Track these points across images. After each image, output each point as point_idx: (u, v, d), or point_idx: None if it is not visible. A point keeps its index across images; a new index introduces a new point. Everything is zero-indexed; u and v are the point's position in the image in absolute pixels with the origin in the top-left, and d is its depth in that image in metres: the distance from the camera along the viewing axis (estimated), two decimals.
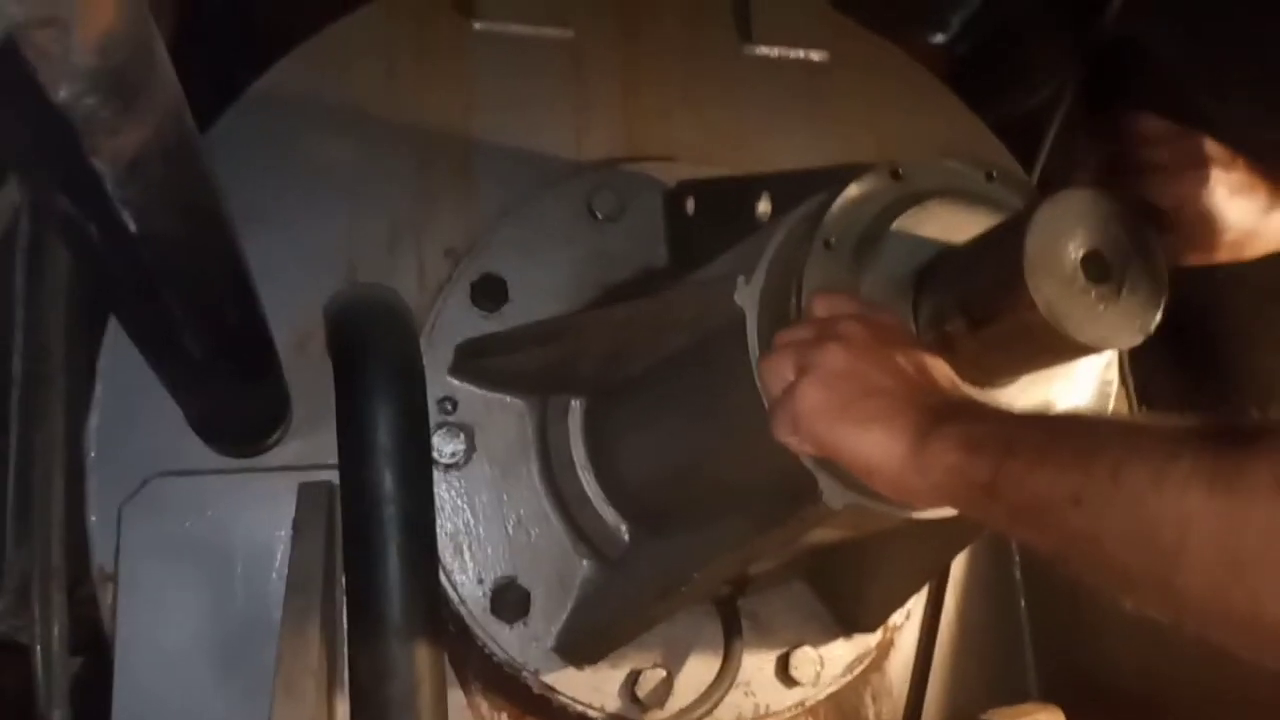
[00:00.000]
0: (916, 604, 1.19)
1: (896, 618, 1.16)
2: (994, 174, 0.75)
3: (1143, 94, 1.30)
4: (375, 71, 1.12)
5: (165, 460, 0.97)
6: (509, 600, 1.03)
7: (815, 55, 1.26)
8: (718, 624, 1.06)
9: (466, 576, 1.04)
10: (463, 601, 1.03)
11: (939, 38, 1.60)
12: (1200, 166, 1.07)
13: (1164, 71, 1.31)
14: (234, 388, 0.86)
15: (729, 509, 0.87)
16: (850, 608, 1.10)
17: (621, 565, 1.03)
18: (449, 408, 1.06)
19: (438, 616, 0.86)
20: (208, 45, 1.12)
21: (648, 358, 0.93)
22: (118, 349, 0.99)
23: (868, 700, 1.17)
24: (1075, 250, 0.61)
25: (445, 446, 1.04)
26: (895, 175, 0.73)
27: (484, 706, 1.06)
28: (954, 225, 0.70)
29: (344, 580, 0.86)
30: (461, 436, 1.05)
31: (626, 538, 1.03)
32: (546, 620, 1.04)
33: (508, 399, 1.08)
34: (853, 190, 0.72)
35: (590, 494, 1.03)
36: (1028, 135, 1.41)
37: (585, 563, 1.06)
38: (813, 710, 1.13)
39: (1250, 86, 1.17)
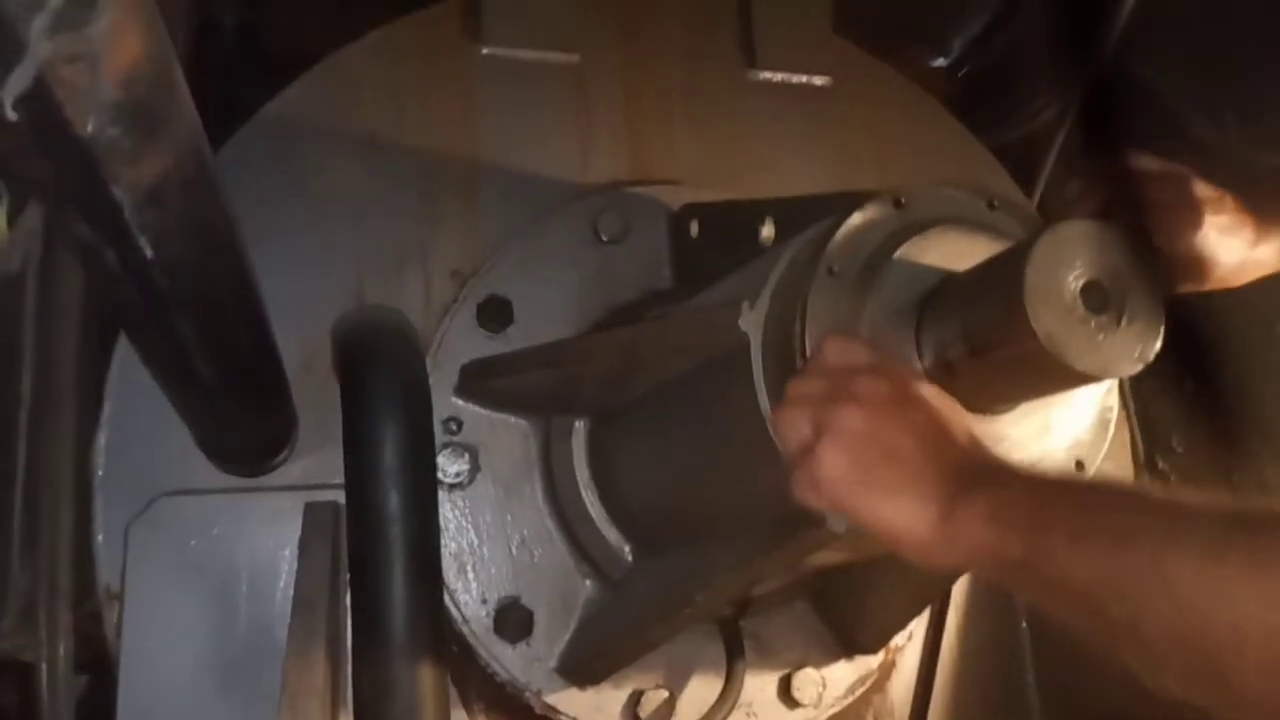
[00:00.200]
0: (918, 625, 1.20)
1: (898, 639, 1.16)
2: (995, 203, 0.76)
3: (1139, 120, 1.32)
4: (383, 96, 1.13)
5: (172, 479, 0.98)
6: (512, 620, 1.04)
7: (818, 80, 1.28)
8: (720, 644, 1.07)
9: (470, 596, 1.04)
10: (466, 621, 1.03)
11: (940, 61, 1.61)
12: (1193, 208, 1.09)
13: (1160, 98, 1.33)
14: (242, 408, 0.87)
15: (732, 531, 0.87)
16: (852, 629, 1.11)
17: (624, 586, 1.04)
18: (454, 428, 1.07)
19: (441, 637, 0.87)
20: (218, 69, 1.14)
21: (651, 380, 0.94)
22: (126, 369, 1.00)
23: None
24: (1075, 280, 0.62)
25: (450, 466, 1.05)
26: (898, 204, 0.75)
27: None
28: (956, 253, 0.71)
29: (348, 599, 0.86)
30: (466, 456, 1.06)
31: (629, 558, 1.03)
32: (549, 640, 1.04)
33: (512, 419, 1.08)
34: (856, 218, 0.73)
35: (593, 514, 1.03)
36: (1028, 158, 1.42)
37: (588, 583, 1.06)
38: None
39: (1245, 113, 1.19)
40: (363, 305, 1.07)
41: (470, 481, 1.06)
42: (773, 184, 1.19)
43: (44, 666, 0.92)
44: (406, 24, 1.17)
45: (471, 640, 1.03)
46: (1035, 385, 0.68)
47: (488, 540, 1.05)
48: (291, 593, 0.93)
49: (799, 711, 1.10)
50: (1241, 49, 1.20)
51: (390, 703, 0.80)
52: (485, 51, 1.17)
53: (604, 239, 1.13)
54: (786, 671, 1.10)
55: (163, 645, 0.95)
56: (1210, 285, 1.11)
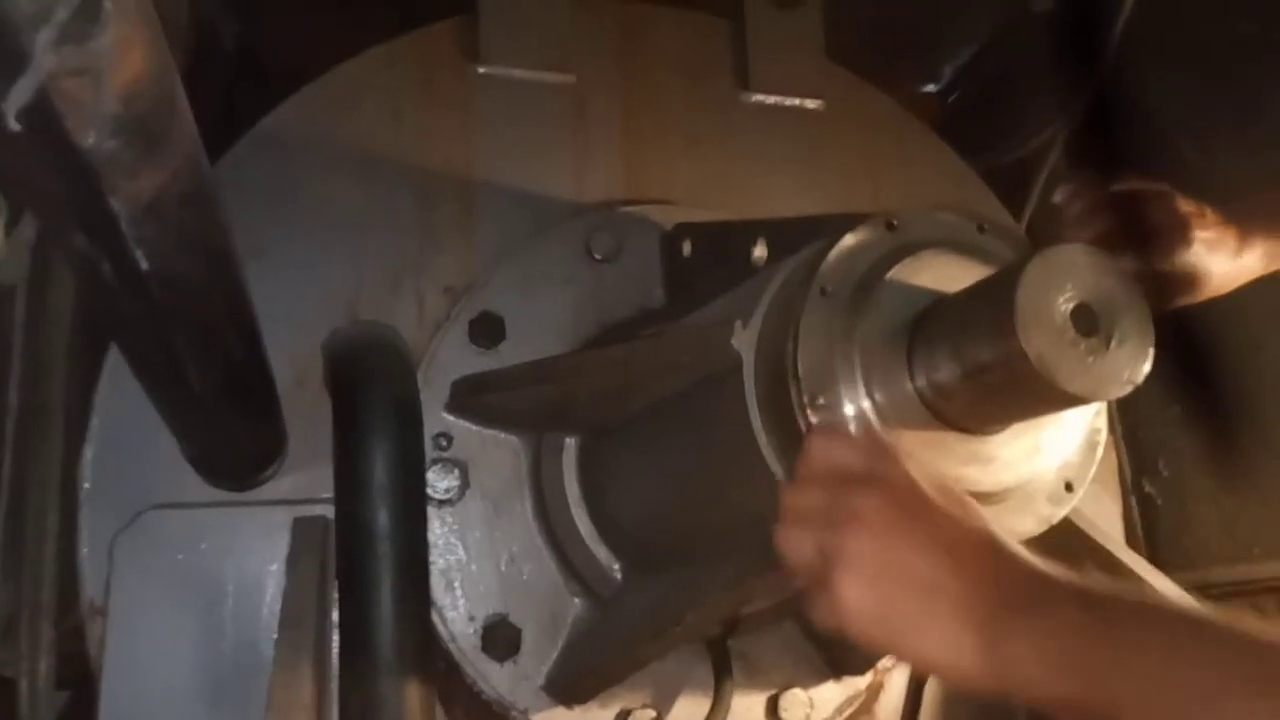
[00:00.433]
0: None
1: (886, 660, 1.16)
2: (985, 226, 0.77)
3: (1129, 145, 1.34)
4: (380, 112, 1.14)
5: (159, 493, 0.97)
6: (500, 638, 1.03)
7: (811, 104, 1.29)
8: (708, 664, 1.06)
9: (458, 613, 1.03)
10: (453, 639, 1.03)
11: (931, 87, 1.64)
12: (1180, 226, 1.11)
13: (1150, 123, 1.35)
14: (233, 422, 0.87)
15: (722, 550, 0.87)
16: (840, 649, 1.11)
17: (613, 604, 1.03)
18: (444, 443, 1.06)
19: (429, 654, 0.86)
20: (216, 84, 1.14)
21: (643, 398, 0.94)
22: (116, 380, 0.99)
23: None
24: (1065, 303, 0.63)
25: (439, 482, 1.05)
26: (890, 226, 0.75)
27: None
28: (947, 276, 0.72)
29: (336, 616, 0.86)
30: (456, 472, 1.06)
31: (619, 577, 1.03)
32: (537, 659, 1.04)
33: (502, 436, 1.08)
34: (849, 239, 0.74)
35: (583, 532, 1.03)
36: (1017, 183, 1.44)
37: (577, 601, 1.06)
38: None
39: (1235, 137, 1.22)
40: (355, 320, 1.07)
41: (460, 498, 1.06)
42: (765, 205, 1.20)
43: (24, 682, 0.91)
44: (405, 42, 1.18)
45: (459, 658, 1.03)
46: (1026, 407, 0.69)
47: (476, 557, 1.05)
48: (279, 608, 0.93)
49: None
50: (1233, 76, 1.23)
51: None
52: (483, 70, 1.18)
53: (597, 257, 1.14)
54: (774, 692, 1.10)
55: (146, 661, 0.94)
56: (1201, 298, 1.14)
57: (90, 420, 0.99)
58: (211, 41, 1.18)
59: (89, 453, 0.99)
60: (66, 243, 0.58)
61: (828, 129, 1.29)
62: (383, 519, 0.84)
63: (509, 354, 1.09)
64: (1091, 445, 0.77)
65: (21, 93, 0.41)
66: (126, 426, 0.98)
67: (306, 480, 1.00)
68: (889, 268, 0.73)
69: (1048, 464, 0.74)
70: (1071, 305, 0.63)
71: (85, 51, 0.41)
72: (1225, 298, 1.16)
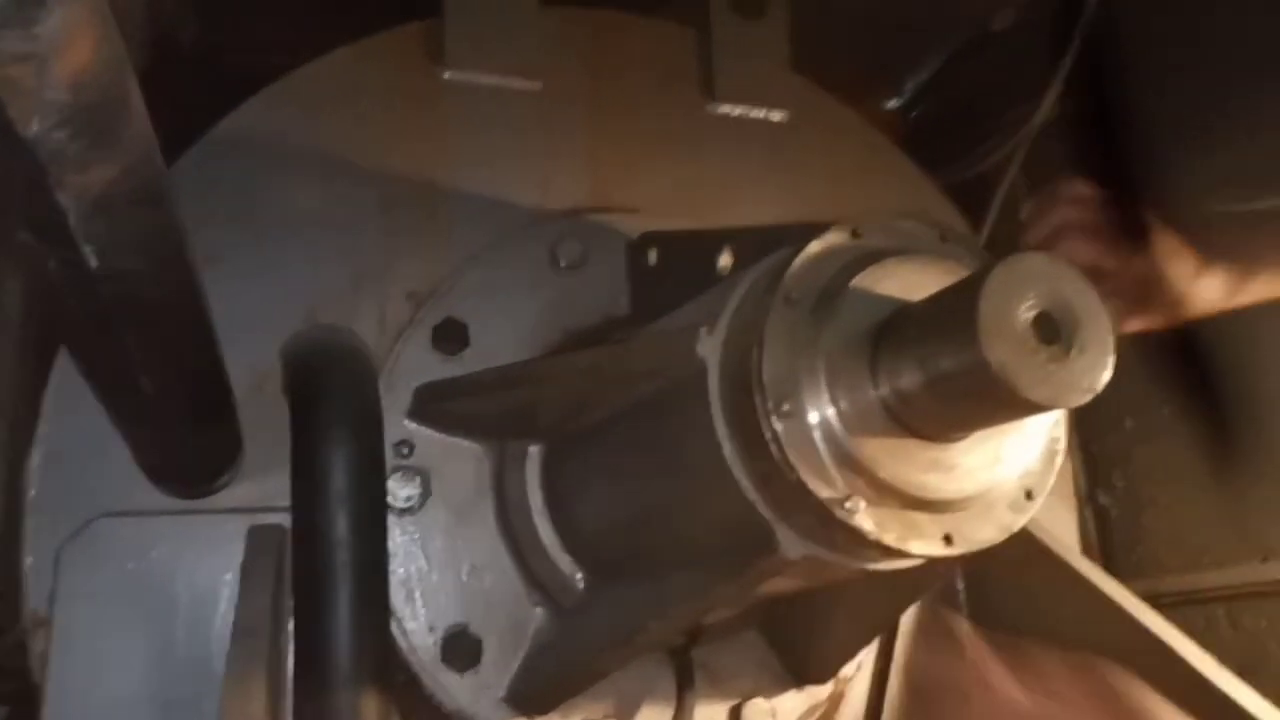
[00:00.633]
0: (867, 656, 1.20)
1: (848, 669, 1.16)
2: (948, 235, 0.78)
3: (1085, 164, 1.37)
4: (343, 115, 1.13)
5: (109, 500, 0.95)
6: (460, 649, 1.02)
7: (776, 115, 1.30)
8: (670, 674, 1.06)
9: (417, 624, 1.02)
10: (413, 650, 1.01)
11: (893, 103, 1.66)
12: (1139, 233, 1.13)
13: (1104, 145, 1.38)
14: (187, 428, 0.85)
15: (686, 559, 0.87)
16: (802, 659, 1.11)
17: (576, 614, 1.02)
18: (405, 451, 1.05)
19: (387, 665, 0.85)
20: (173, 86, 1.12)
21: (607, 406, 0.93)
22: (65, 384, 0.97)
23: None
24: (1027, 311, 0.63)
25: (400, 490, 1.03)
26: (855, 234, 0.76)
27: None
28: (911, 284, 0.72)
29: (291, 627, 0.84)
30: (417, 480, 1.04)
31: (582, 586, 1.02)
32: (498, 669, 1.02)
33: (465, 443, 1.07)
34: (814, 247, 0.74)
35: (546, 541, 1.02)
36: (977, 198, 1.47)
37: (539, 611, 1.05)
38: None
39: (1188, 159, 1.24)
40: (315, 325, 1.05)
41: (421, 506, 1.04)
42: (730, 214, 1.20)
43: None
44: (369, 44, 1.16)
45: (418, 669, 1.01)
46: (988, 414, 0.69)
47: (437, 566, 1.03)
48: (231, 619, 0.90)
49: None
50: (1186, 99, 1.26)
51: None
52: (448, 75, 1.17)
53: (563, 264, 1.13)
54: (736, 701, 1.10)
55: (92, 675, 0.91)
56: (1156, 319, 1.16)
57: (38, 425, 0.97)
58: (169, 41, 1.16)
59: (36, 458, 0.96)
60: (12, 239, 0.56)
61: (792, 140, 1.30)
62: (341, 526, 0.82)
63: (473, 360, 1.08)
64: (1051, 454, 0.77)
65: None
66: (76, 431, 0.96)
67: (263, 488, 0.98)
68: (853, 275, 0.73)
69: (1009, 472, 0.74)
70: (1033, 314, 0.64)
71: (28, 36, 0.39)
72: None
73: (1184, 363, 1.34)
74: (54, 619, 0.91)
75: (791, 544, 0.73)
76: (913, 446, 0.71)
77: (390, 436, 1.01)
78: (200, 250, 0.71)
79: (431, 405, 1.05)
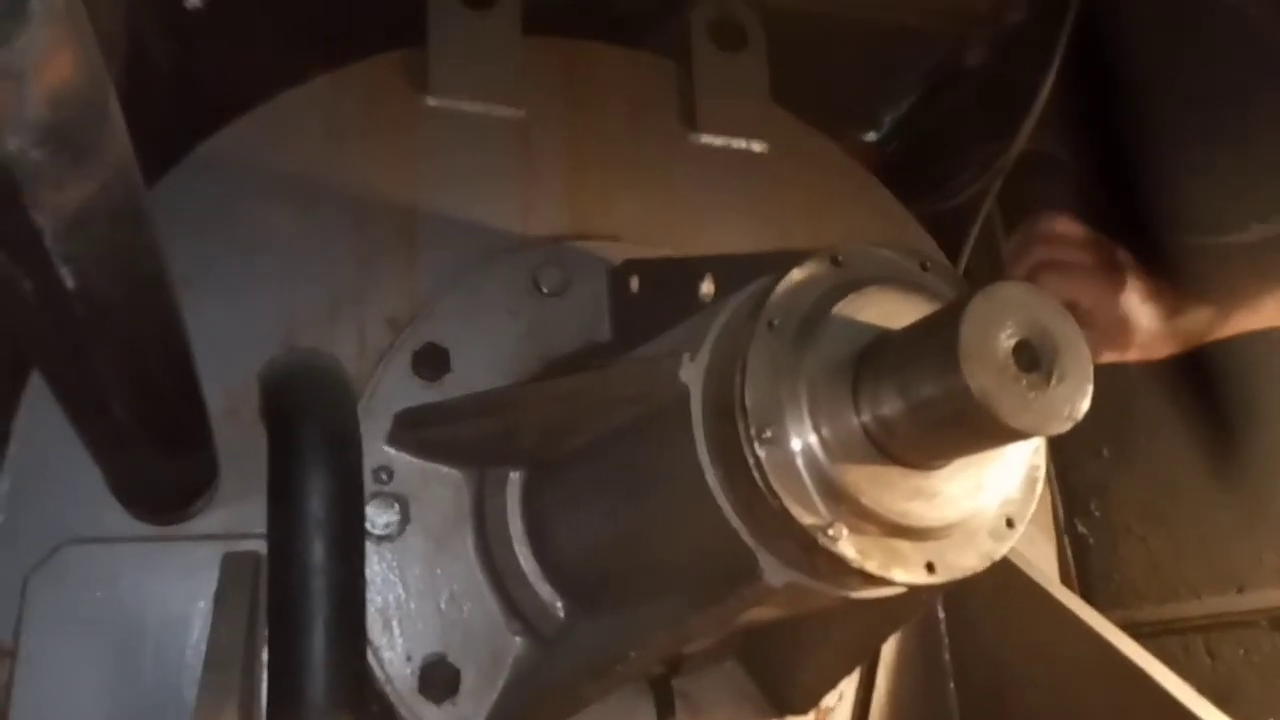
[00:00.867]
0: (848, 685, 1.19)
1: (829, 699, 1.15)
2: (928, 264, 0.79)
3: (1057, 199, 1.39)
4: (324, 141, 1.12)
5: (79, 526, 0.93)
6: (438, 679, 1.00)
7: (756, 146, 1.31)
8: (650, 704, 1.04)
9: (394, 653, 1.00)
10: (389, 680, 0.99)
11: (871, 136, 1.69)
12: (1116, 271, 1.15)
13: (1074, 181, 1.40)
14: (161, 453, 0.83)
15: (667, 587, 0.86)
16: (783, 688, 1.10)
17: (556, 643, 1.01)
18: (384, 477, 1.04)
19: (361, 696, 0.83)
20: (152, 109, 1.11)
21: (589, 432, 0.93)
22: (36, 407, 0.95)
23: None
24: (1007, 340, 0.64)
25: (379, 517, 1.02)
26: (836, 262, 0.76)
27: None
28: (892, 311, 0.73)
29: (265, 656, 0.82)
30: (396, 507, 1.03)
31: (561, 615, 1.01)
32: (476, 700, 1.01)
33: (445, 470, 1.06)
34: (796, 274, 0.75)
35: (526, 569, 1.01)
36: (954, 230, 1.49)
37: (518, 640, 1.03)
38: None
39: (1160, 193, 1.26)
40: (293, 349, 1.04)
41: (399, 533, 1.03)
42: (711, 243, 1.21)
43: None
44: (351, 71, 1.17)
45: (394, 699, 0.99)
46: (968, 442, 0.69)
47: (415, 595, 1.02)
48: (203, 649, 0.88)
49: None
50: (1149, 137, 1.28)
51: None
52: (431, 102, 1.17)
53: (545, 291, 1.13)
54: None
55: (57, 706, 0.89)
56: (1131, 354, 1.17)
57: (7, 449, 0.95)
58: (148, 63, 1.16)
59: (5, 484, 0.94)
60: None
61: (772, 171, 1.31)
62: (318, 553, 0.81)
63: (454, 386, 1.07)
64: (1031, 482, 0.77)
65: None
66: (46, 456, 0.94)
67: (238, 514, 0.97)
68: (835, 303, 0.73)
69: (990, 500, 0.74)
70: (1013, 342, 0.64)
71: (8, 52, 0.39)
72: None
73: (1169, 389, 1.35)
74: (19, 648, 0.89)
75: (774, 571, 0.73)
76: (895, 474, 0.71)
77: (369, 462, 1.00)
78: (177, 273, 0.70)
79: (411, 431, 1.04)
